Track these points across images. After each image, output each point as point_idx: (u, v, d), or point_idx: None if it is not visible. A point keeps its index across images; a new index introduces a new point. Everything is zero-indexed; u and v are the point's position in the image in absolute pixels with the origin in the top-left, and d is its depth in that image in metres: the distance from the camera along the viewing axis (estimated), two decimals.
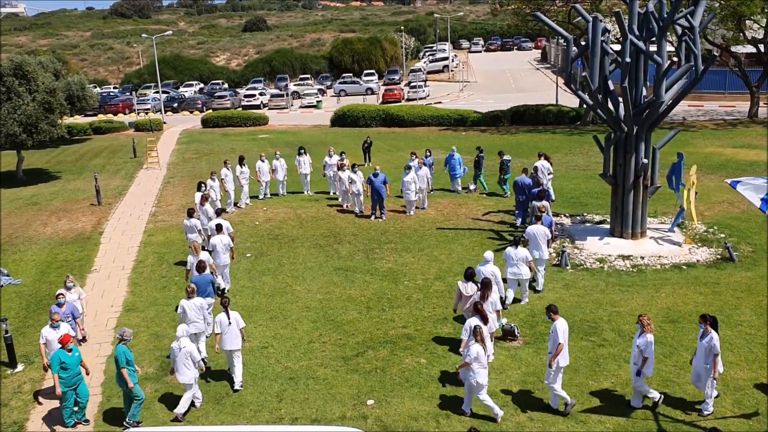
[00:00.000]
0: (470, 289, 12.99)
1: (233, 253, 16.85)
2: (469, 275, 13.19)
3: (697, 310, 14.42)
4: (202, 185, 21.39)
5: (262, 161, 25.30)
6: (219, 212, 19.00)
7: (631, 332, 13.63)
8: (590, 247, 18.42)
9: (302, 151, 26.09)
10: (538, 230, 15.70)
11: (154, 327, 15.04)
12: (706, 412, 10.77)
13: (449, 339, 13.70)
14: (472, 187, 25.22)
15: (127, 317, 15.64)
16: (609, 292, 15.69)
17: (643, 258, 17.53)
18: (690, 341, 13.13)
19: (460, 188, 25.24)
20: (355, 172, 22.72)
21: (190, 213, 18.19)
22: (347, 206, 23.59)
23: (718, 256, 17.46)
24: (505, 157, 23.97)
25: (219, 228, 16.61)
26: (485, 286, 12.61)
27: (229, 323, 12.11)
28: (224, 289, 16.56)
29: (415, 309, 15.27)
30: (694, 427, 10.59)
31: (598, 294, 15.59)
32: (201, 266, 14.15)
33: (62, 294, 13.42)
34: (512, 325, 13.71)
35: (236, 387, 12.25)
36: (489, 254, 13.96)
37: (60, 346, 11.32)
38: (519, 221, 20.60)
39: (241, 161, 24.67)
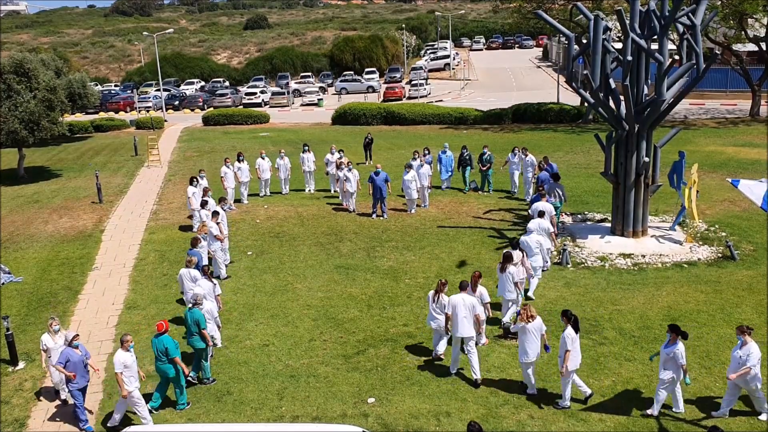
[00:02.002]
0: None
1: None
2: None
3: (698, 309, 14.44)
4: (194, 180, 21.48)
5: (263, 158, 25.29)
6: (220, 200, 19.56)
7: (632, 331, 13.65)
8: (591, 246, 18.42)
9: (306, 148, 26.09)
10: (530, 239, 15.41)
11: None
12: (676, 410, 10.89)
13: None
14: (472, 185, 25.22)
15: (128, 315, 15.66)
16: (610, 290, 15.69)
17: (644, 256, 17.53)
18: (691, 340, 13.11)
19: (448, 185, 25.50)
20: (350, 170, 22.70)
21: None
22: (346, 204, 23.62)
23: (719, 255, 17.46)
24: (485, 152, 24.50)
25: (215, 214, 17.75)
26: (506, 259, 13.57)
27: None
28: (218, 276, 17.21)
29: (416, 307, 15.27)
30: (695, 425, 10.59)
31: (599, 292, 15.59)
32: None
33: (77, 336, 11.59)
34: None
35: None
36: (533, 224, 15.50)
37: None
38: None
39: (239, 158, 24.65)
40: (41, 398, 12.42)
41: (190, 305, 12.47)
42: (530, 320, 11.33)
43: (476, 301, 12.22)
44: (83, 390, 11.33)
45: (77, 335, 11.42)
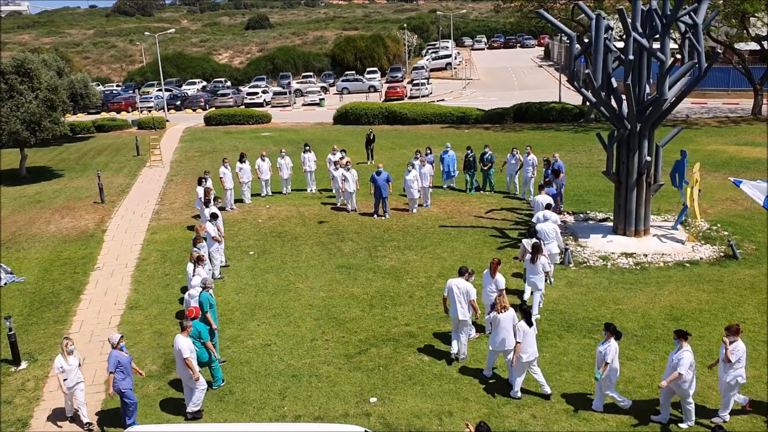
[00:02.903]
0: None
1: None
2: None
3: (700, 308, 14.43)
4: (203, 180, 21.45)
5: (263, 160, 25.28)
6: (213, 200, 19.61)
7: (634, 330, 13.64)
8: (593, 245, 18.40)
9: (307, 148, 26.08)
10: (546, 226, 16.10)
11: (157, 325, 15.06)
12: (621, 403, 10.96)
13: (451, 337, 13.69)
14: (474, 186, 25.20)
15: (130, 315, 15.68)
16: (612, 289, 15.68)
17: (646, 255, 17.51)
18: (693, 339, 13.09)
19: (451, 185, 25.54)
20: (348, 170, 22.69)
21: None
22: (339, 204, 23.60)
23: (722, 254, 17.44)
24: (487, 152, 24.57)
25: (214, 216, 17.75)
26: (536, 249, 14.02)
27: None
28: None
29: (417, 307, 15.27)
30: (697, 425, 10.58)
31: (602, 291, 15.58)
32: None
33: (122, 338, 11.44)
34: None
35: None
36: (548, 214, 16.23)
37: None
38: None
39: (241, 158, 24.64)
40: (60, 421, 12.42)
41: (201, 288, 13.00)
42: (503, 311, 11.56)
43: (470, 287, 12.58)
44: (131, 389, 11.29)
45: (122, 336, 11.31)
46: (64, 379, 11.19)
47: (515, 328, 11.32)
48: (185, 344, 11.22)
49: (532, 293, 14.52)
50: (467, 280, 12.72)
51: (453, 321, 12.81)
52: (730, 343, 10.42)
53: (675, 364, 10.19)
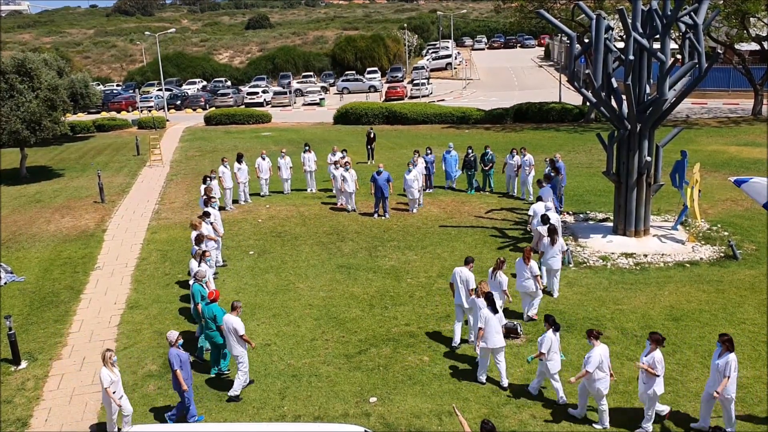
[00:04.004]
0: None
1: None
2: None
3: (700, 308, 14.43)
4: (207, 179, 21.38)
5: (263, 159, 25.27)
6: (209, 199, 19.47)
7: (634, 330, 13.63)
8: (593, 245, 18.40)
9: (307, 147, 26.08)
10: (556, 215, 17.22)
11: (157, 324, 15.06)
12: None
13: (452, 337, 13.69)
14: (475, 186, 25.20)
15: (131, 314, 15.68)
16: (612, 290, 15.68)
17: (646, 256, 17.51)
18: (693, 339, 13.14)
19: (453, 185, 25.51)
20: (347, 170, 22.68)
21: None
22: (340, 204, 23.59)
23: (722, 254, 17.43)
24: (487, 152, 24.59)
25: (206, 215, 17.87)
26: (552, 232, 15.10)
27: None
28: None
29: (417, 307, 15.27)
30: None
31: (601, 292, 15.58)
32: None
33: (180, 336, 11.30)
34: (515, 323, 13.72)
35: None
36: (538, 206, 17.44)
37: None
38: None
39: (239, 158, 24.64)
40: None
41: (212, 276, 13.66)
42: (481, 296, 12.04)
43: (471, 277, 13.19)
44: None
45: (180, 334, 11.33)
46: (114, 391, 10.67)
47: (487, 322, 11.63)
48: (239, 323, 11.69)
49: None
50: (470, 270, 13.30)
51: (456, 307, 13.38)
52: (649, 352, 10.16)
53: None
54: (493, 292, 12.50)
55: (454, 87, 63.95)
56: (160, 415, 11.58)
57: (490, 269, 13.77)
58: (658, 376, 10.04)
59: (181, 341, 11.19)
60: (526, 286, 14.06)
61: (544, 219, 16.03)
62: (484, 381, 11.98)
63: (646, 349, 10.28)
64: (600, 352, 10.37)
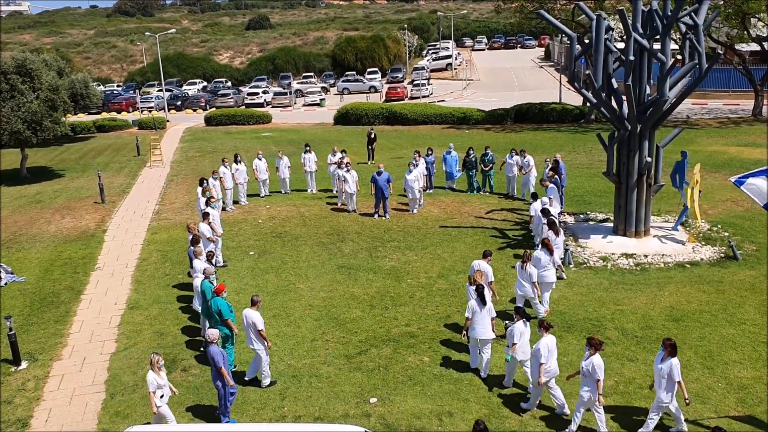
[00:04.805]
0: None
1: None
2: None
3: (700, 309, 14.42)
4: (204, 181, 21.40)
5: (259, 159, 25.26)
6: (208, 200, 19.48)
7: (635, 331, 13.63)
8: (593, 246, 18.40)
9: (308, 148, 26.08)
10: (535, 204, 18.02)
11: (158, 325, 15.06)
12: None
13: (452, 337, 13.70)
14: (475, 186, 25.19)
15: (131, 315, 15.68)
16: (612, 290, 15.67)
17: (646, 256, 17.51)
18: (693, 340, 13.13)
19: (454, 185, 25.50)
20: (347, 171, 22.67)
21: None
22: (340, 204, 23.60)
23: (722, 255, 17.43)
24: (488, 152, 24.60)
25: (205, 215, 18.03)
26: (552, 225, 15.83)
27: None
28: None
29: (418, 307, 15.27)
30: (698, 425, 10.58)
31: (602, 292, 15.57)
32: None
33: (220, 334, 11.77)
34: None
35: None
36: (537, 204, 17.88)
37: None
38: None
39: (236, 159, 24.63)
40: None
41: (203, 277, 13.66)
42: (473, 284, 12.45)
43: (490, 270, 13.81)
44: None
45: (220, 334, 11.46)
46: (161, 396, 10.51)
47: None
48: (258, 317, 11.83)
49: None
50: (488, 263, 13.87)
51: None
52: (589, 357, 10.16)
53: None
54: (524, 284, 13.63)
55: (454, 87, 63.95)
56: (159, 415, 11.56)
57: (519, 263, 14.03)
58: (599, 380, 10.12)
59: (219, 340, 11.29)
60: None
61: (545, 212, 16.66)
62: (480, 373, 12.27)
63: (586, 354, 10.29)
64: (546, 342, 10.73)
